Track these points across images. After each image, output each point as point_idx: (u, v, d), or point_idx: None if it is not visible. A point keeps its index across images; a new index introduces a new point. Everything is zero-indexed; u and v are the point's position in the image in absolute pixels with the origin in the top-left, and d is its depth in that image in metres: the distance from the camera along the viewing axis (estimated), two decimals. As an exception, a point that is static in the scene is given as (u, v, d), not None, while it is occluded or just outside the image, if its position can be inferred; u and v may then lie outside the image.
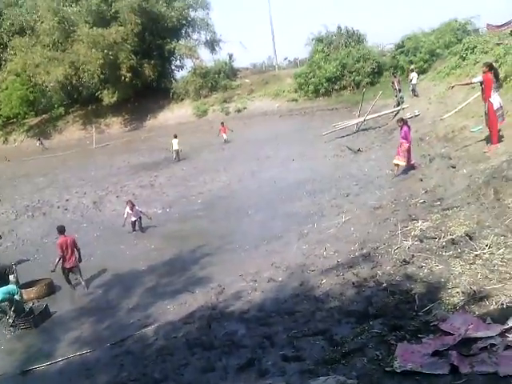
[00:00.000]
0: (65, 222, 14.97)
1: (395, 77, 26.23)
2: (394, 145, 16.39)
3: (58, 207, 16.87)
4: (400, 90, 24.35)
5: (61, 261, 10.07)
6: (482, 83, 9.95)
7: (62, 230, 10.52)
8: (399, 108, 22.03)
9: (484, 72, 9.95)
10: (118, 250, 12.03)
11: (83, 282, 10.14)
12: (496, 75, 9.95)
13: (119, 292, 9.47)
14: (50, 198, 18.23)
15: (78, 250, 10.41)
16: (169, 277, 9.67)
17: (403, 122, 12.43)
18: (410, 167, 12.29)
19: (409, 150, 12.16)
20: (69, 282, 10.21)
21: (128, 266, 10.74)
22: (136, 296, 9.00)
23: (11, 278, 9.58)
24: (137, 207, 13.25)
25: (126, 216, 13.09)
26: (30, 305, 9.36)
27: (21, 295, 9.13)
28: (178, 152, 23.19)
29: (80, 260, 10.38)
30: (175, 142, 23.21)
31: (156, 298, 8.64)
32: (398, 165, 12.31)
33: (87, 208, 16.35)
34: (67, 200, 17.60)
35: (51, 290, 10.16)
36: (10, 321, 8.74)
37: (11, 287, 9.05)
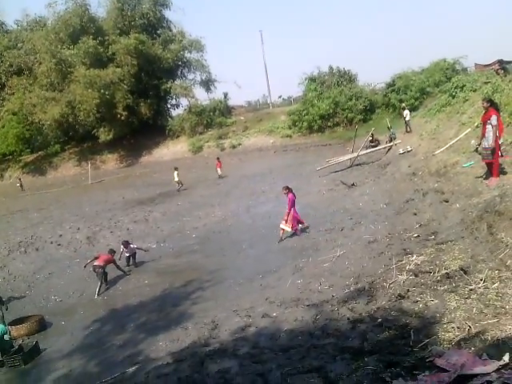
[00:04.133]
0: (58, 257, 14.91)
1: None
2: (388, 179, 16.60)
3: (52, 243, 16.73)
4: (391, 127, 24.99)
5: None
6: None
7: (110, 252, 12.59)
8: (391, 144, 22.39)
9: (486, 108, 10.00)
10: (110, 285, 11.89)
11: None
12: (497, 109, 10.06)
13: (111, 328, 9.30)
14: (44, 234, 18.11)
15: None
16: (161, 312, 9.53)
17: (288, 189, 12.70)
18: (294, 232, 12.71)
19: (295, 217, 12.53)
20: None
21: (121, 302, 10.62)
22: (128, 332, 8.83)
23: None
24: (131, 245, 13.28)
25: (121, 251, 13.13)
26: (20, 342, 9.14)
27: (9, 334, 8.93)
28: (178, 182, 24.21)
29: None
30: (175, 174, 24.23)
31: (148, 334, 8.48)
32: (283, 230, 12.63)
33: (81, 243, 16.23)
34: (61, 235, 17.48)
35: (42, 326, 9.99)
36: None
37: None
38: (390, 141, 23.30)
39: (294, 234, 12.81)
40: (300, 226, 12.83)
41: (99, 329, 9.44)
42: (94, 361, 7.89)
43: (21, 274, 13.84)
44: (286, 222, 12.54)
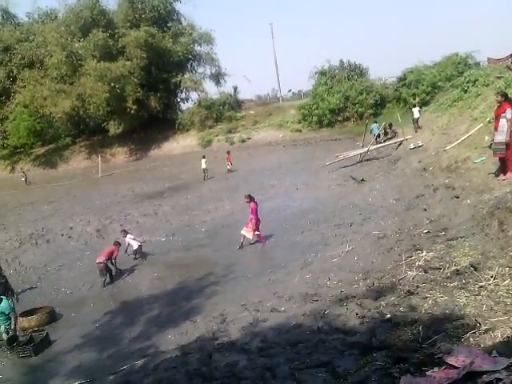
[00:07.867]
0: (68, 249, 15.05)
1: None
2: (398, 175, 16.50)
3: (62, 235, 16.88)
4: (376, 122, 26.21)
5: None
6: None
7: (115, 243, 12.58)
8: (402, 139, 22.23)
9: (500, 102, 9.86)
10: (120, 277, 11.97)
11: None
12: (511, 103, 9.88)
13: (120, 320, 9.39)
14: (54, 226, 18.27)
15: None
16: (170, 305, 9.60)
17: (250, 198, 12.75)
18: (256, 239, 12.74)
19: (257, 225, 12.58)
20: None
21: (130, 294, 10.71)
22: (137, 325, 8.91)
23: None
24: (130, 235, 13.39)
25: (126, 244, 13.17)
26: (31, 333, 9.26)
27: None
28: (204, 171, 24.72)
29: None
30: (203, 161, 24.86)
31: (157, 326, 8.55)
32: (245, 236, 12.67)
33: (91, 236, 16.36)
34: (71, 228, 17.63)
35: (52, 318, 10.10)
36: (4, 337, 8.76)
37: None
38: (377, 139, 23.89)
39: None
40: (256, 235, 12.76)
41: (108, 321, 9.54)
42: (104, 353, 7.98)
43: (32, 266, 13.99)
44: (248, 228, 12.60)
